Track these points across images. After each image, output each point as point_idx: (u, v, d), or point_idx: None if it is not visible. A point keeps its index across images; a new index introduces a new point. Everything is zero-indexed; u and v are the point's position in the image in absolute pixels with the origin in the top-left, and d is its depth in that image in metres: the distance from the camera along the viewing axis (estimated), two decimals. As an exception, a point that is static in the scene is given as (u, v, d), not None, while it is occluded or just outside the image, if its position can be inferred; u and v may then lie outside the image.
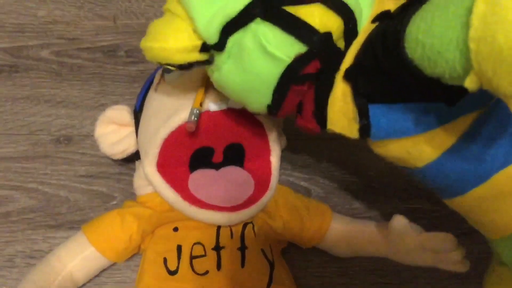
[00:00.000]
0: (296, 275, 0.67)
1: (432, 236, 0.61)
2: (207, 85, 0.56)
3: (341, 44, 0.47)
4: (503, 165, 0.45)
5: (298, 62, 0.46)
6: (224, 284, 0.58)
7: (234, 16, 0.45)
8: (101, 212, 0.70)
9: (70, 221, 0.70)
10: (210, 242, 0.59)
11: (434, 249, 0.60)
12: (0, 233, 0.68)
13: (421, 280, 0.69)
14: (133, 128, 0.64)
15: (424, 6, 0.38)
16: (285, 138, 0.69)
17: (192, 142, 0.57)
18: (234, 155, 0.59)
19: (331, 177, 0.77)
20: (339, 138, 0.76)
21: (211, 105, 0.55)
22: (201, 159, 0.58)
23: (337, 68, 0.47)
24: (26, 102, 0.75)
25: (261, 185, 0.60)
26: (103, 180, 0.72)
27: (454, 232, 0.74)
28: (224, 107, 0.56)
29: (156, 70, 0.65)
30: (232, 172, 0.59)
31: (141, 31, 0.80)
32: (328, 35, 0.45)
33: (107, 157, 0.69)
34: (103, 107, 0.75)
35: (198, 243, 0.59)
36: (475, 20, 0.31)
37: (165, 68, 0.60)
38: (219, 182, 0.58)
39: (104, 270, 0.64)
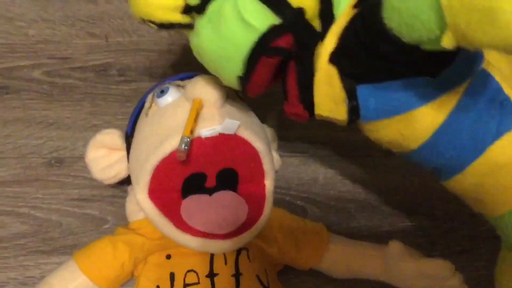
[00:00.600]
0: (294, 298, 0.67)
1: (429, 262, 0.60)
2: (198, 111, 0.55)
3: (316, 24, 0.48)
4: (496, 136, 0.46)
5: (270, 33, 0.47)
6: (219, 312, 0.57)
7: None
8: (94, 236, 0.69)
9: (62, 246, 0.69)
10: (203, 270, 0.58)
11: (431, 276, 0.59)
12: (-8, 260, 0.67)
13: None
14: (124, 152, 0.63)
15: None
16: (279, 158, 0.68)
17: (184, 169, 0.56)
18: (228, 180, 0.58)
19: (327, 195, 0.76)
20: (335, 155, 0.77)
21: (203, 131, 0.54)
22: (194, 184, 0.57)
23: (313, 49, 0.48)
24: (17, 125, 0.74)
25: (255, 210, 0.59)
26: (95, 203, 0.71)
27: (453, 249, 0.74)
28: (216, 133, 0.54)
29: (147, 93, 0.64)
30: (226, 197, 0.58)
31: (133, 49, 0.79)
32: (301, 10, 0.47)
33: (100, 180, 0.68)
34: (95, 127, 0.75)
35: (192, 270, 0.58)
36: None
37: (158, 91, 0.59)
38: (212, 208, 0.57)
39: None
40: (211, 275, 0.58)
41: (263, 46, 0.47)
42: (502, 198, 0.49)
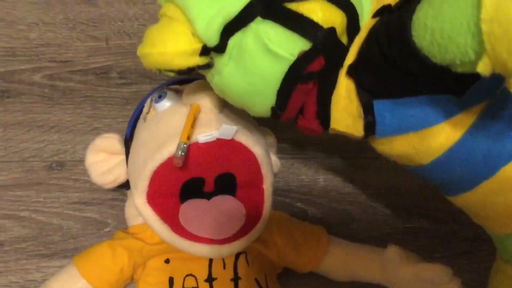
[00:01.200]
0: (293, 300, 0.67)
1: (428, 267, 0.60)
2: (195, 116, 0.55)
3: (344, 39, 0.46)
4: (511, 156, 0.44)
5: (302, 60, 0.45)
6: (218, 316, 0.57)
7: (234, 16, 0.44)
8: (94, 239, 0.70)
9: (63, 249, 0.69)
10: (202, 274, 0.59)
11: (429, 280, 0.59)
12: (-7, 263, 0.67)
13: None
14: (123, 157, 0.63)
15: None
16: (278, 162, 0.68)
17: (182, 174, 0.56)
18: (226, 185, 0.58)
19: (328, 197, 0.76)
20: (336, 157, 0.77)
21: (200, 137, 0.54)
22: (192, 189, 0.57)
23: (340, 65, 0.46)
24: (18, 128, 0.74)
25: (254, 214, 0.59)
26: (96, 206, 0.72)
27: (455, 251, 0.74)
28: (213, 138, 0.55)
29: (145, 98, 0.64)
30: (224, 201, 0.58)
31: (134, 52, 0.78)
32: (332, 30, 0.44)
33: (100, 183, 0.68)
34: (96, 131, 0.75)
35: (190, 275, 0.58)
36: (487, 1, 0.30)
37: (156, 96, 0.59)
38: (211, 213, 0.57)
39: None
40: (210, 279, 0.58)
41: (297, 74, 0.45)
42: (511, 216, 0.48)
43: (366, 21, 0.46)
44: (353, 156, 0.77)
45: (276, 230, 0.64)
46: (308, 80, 0.46)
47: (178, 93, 0.60)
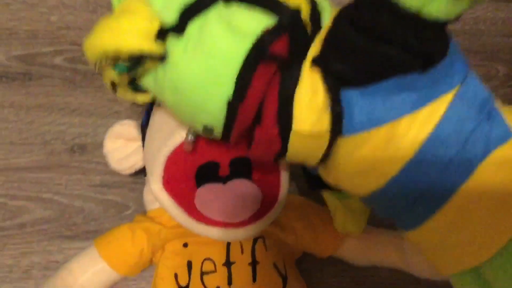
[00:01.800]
0: (312, 285, 0.67)
1: None
2: None
3: (306, 25, 0.44)
4: (486, 152, 0.42)
5: (266, 35, 0.41)
6: (236, 300, 0.58)
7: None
8: (115, 222, 0.70)
9: (85, 231, 0.70)
10: (220, 258, 0.59)
11: None
12: (16, 245, 0.68)
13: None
14: (140, 143, 0.63)
15: None
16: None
17: (196, 158, 0.56)
18: (241, 168, 0.58)
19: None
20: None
21: None
22: (207, 173, 0.57)
23: (303, 57, 0.43)
24: (40, 111, 0.74)
25: (270, 198, 0.59)
26: (117, 189, 0.72)
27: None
28: None
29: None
30: (240, 184, 0.57)
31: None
32: (298, 11, 0.42)
33: (121, 166, 0.68)
34: (117, 114, 0.75)
35: (208, 259, 0.58)
36: None
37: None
38: (226, 196, 0.57)
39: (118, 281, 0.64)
40: (228, 263, 0.58)
41: (260, 50, 0.41)
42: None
43: (326, 24, 0.44)
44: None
45: (294, 214, 0.64)
46: (271, 60, 0.42)
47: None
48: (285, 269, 0.60)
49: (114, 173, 0.70)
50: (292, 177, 0.62)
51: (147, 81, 0.46)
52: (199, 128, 0.47)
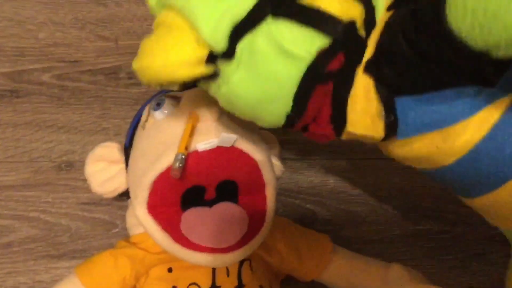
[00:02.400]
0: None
1: None
2: (194, 125, 0.54)
3: (362, 34, 0.43)
4: None
5: (322, 58, 0.41)
6: (223, 325, 0.57)
7: (243, 17, 0.40)
8: (103, 240, 0.70)
9: (72, 250, 0.70)
10: (206, 282, 0.58)
11: None
12: (2, 264, 0.68)
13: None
14: (123, 165, 0.62)
15: None
16: (281, 165, 0.67)
17: (182, 182, 0.55)
18: (227, 192, 0.57)
19: (337, 199, 0.76)
20: (346, 159, 0.77)
21: (199, 146, 0.53)
22: (193, 198, 0.56)
23: (359, 62, 0.43)
24: (27, 128, 0.74)
25: (256, 221, 0.59)
26: (104, 207, 0.72)
27: (466, 253, 0.74)
28: (213, 146, 0.54)
29: (144, 105, 0.63)
30: (226, 208, 0.57)
31: (143, 52, 0.79)
32: (352, 23, 0.41)
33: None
34: (105, 131, 0.75)
35: (194, 283, 0.58)
36: None
37: (154, 104, 0.58)
38: (213, 221, 0.56)
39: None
40: (214, 287, 0.58)
41: (316, 74, 0.41)
42: None
43: (381, 15, 0.43)
44: (363, 157, 0.77)
45: (280, 236, 0.63)
46: (328, 79, 0.42)
47: (177, 100, 0.59)
48: (271, 291, 0.60)
49: (101, 191, 0.70)
50: (278, 199, 0.63)
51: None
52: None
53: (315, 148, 0.77)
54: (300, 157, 0.77)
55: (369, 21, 0.43)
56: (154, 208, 0.56)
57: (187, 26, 0.41)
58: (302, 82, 0.42)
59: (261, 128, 0.63)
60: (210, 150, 0.54)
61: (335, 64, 0.42)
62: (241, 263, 0.60)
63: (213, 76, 0.43)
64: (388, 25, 0.42)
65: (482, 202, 0.46)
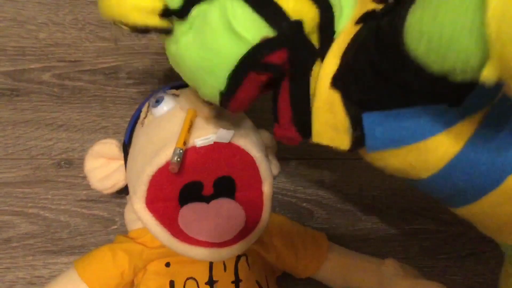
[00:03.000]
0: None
1: (424, 284, 0.60)
2: (192, 121, 0.55)
3: (314, 39, 0.43)
4: None
5: (262, 46, 0.41)
6: (219, 319, 0.58)
7: None
8: (101, 237, 0.71)
9: (71, 246, 0.70)
10: (203, 277, 0.59)
11: None
12: (1, 259, 0.69)
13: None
14: (122, 162, 0.63)
15: None
16: (277, 163, 0.68)
17: (180, 178, 0.56)
18: (225, 188, 0.58)
19: (334, 198, 0.76)
20: (342, 158, 0.77)
21: (197, 141, 0.54)
22: (191, 193, 0.57)
23: (310, 67, 0.43)
24: (27, 126, 0.75)
25: (253, 217, 0.59)
26: (103, 204, 0.73)
27: (460, 253, 0.74)
28: (210, 142, 0.55)
29: (143, 103, 0.64)
30: (223, 204, 0.58)
31: (143, 52, 0.80)
32: (299, 23, 0.42)
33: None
34: (104, 130, 0.76)
35: (191, 278, 0.58)
36: (492, 0, 0.27)
37: (153, 101, 0.59)
38: (210, 216, 0.57)
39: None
40: (211, 282, 0.58)
41: (253, 60, 0.42)
42: None
43: (346, 26, 0.43)
44: (359, 157, 0.77)
45: (276, 233, 0.64)
46: (264, 70, 0.42)
47: (175, 97, 0.60)
48: (267, 286, 0.61)
49: (100, 188, 0.71)
50: (275, 198, 0.63)
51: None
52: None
53: (312, 148, 0.77)
54: (297, 156, 0.77)
55: (326, 27, 0.43)
56: (152, 203, 0.57)
57: None
58: (239, 64, 0.42)
59: (259, 127, 0.64)
60: (207, 146, 0.55)
61: (276, 58, 0.42)
62: (238, 258, 0.60)
63: (167, 31, 0.45)
64: (353, 41, 0.42)
65: (464, 213, 0.47)
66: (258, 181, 0.59)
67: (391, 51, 0.36)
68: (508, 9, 0.26)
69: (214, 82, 0.45)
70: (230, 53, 0.42)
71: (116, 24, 0.45)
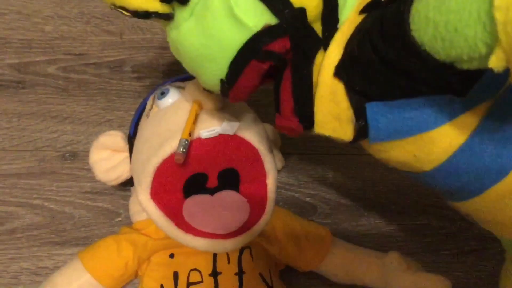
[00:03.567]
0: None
1: (427, 277, 0.60)
2: (197, 113, 0.56)
3: (317, 27, 0.43)
4: None
5: (264, 34, 0.41)
6: (222, 310, 0.58)
7: None
8: (106, 228, 0.71)
9: (75, 237, 0.71)
10: (206, 268, 0.59)
11: None
12: (5, 250, 0.69)
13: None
14: (127, 154, 0.63)
15: None
16: (282, 157, 0.68)
17: (185, 169, 0.56)
18: (229, 180, 0.58)
19: (337, 193, 0.77)
20: (345, 154, 0.78)
21: (202, 133, 0.54)
22: (195, 185, 0.57)
23: (313, 56, 0.43)
24: (32, 118, 0.75)
25: (257, 210, 0.60)
26: (107, 196, 0.73)
27: (463, 248, 0.74)
28: (215, 134, 0.55)
29: (149, 95, 0.64)
30: (227, 196, 0.58)
31: (147, 46, 0.80)
32: (302, 10, 0.41)
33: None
34: (108, 122, 0.76)
35: (195, 269, 0.59)
36: None
37: (158, 93, 0.60)
38: (214, 208, 0.58)
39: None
40: (214, 273, 0.59)
41: (254, 48, 0.41)
42: None
43: (350, 15, 0.43)
44: (362, 152, 0.77)
45: (279, 226, 0.64)
46: (265, 58, 0.42)
47: (181, 89, 0.60)
48: (271, 279, 0.61)
49: (104, 180, 0.71)
50: (279, 192, 0.64)
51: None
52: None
53: (316, 143, 0.78)
54: (300, 151, 0.77)
55: (329, 16, 0.43)
56: (157, 194, 0.57)
57: None
58: (240, 51, 0.42)
59: (263, 121, 0.64)
60: (212, 138, 0.55)
61: (278, 46, 0.41)
62: (242, 250, 0.61)
63: (168, 17, 0.44)
64: (357, 30, 0.41)
65: (467, 207, 0.47)
66: (262, 174, 0.59)
67: (396, 39, 0.35)
68: None
69: (215, 69, 0.44)
70: (231, 40, 0.42)
71: (117, 9, 0.44)
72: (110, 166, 0.64)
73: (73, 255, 0.63)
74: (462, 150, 0.40)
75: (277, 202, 0.62)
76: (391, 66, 0.37)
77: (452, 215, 0.75)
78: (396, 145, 0.42)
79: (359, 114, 0.41)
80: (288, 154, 0.74)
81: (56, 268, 0.64)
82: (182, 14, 0.43)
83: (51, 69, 0.77)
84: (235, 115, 0.58)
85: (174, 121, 0.56)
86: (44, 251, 0.69)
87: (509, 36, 0.27)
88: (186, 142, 0.53)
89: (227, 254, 0.60)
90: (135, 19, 0.79)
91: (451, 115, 0.39)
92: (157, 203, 0.57)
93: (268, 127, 0.67)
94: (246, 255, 0.61)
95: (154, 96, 0.61)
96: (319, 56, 0.43)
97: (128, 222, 0.68)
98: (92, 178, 0.73)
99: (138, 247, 0.61)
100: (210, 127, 0.55)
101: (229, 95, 0.46)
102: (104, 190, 0.73)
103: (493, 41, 0.28)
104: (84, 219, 0.71)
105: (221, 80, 0.45)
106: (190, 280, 0.58)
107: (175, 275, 0.59)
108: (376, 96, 0.40)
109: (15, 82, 0.76)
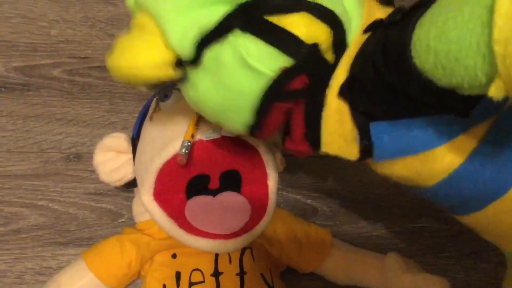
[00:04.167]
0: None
1: (427, 278, 0.61)
2: (199, 115, 0.56)
3: (329, 56, 0.43)
4: None
5: (283, 77, 0.41)
6: (224, 310, 0.58)
7: (210, 28, 0.40)
8: (109, 229, 0.72)
9: (79, 238, 0.71)
10: (208, 268, 0.60)
11: None
12: (10, 250, 0.69)
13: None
14: (131, 155, 0.64)
15: (430, 10, 0.34)
16: (283, 159, 0.69)
17: (188, 171, 0.57)
18: (231, 181, 0.59)
19: (337, 195, 0.77)
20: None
21: (204, 134, 0.56)
22: (198, 186, 0.58)
23: (326, 84, 0.43)
24: (37, 120, 0.76)
25: (258, 211, 0.61)
26: (111, 197, 0.74)
27: (462, 251, 0.75)
28: (217, 135, 0.56)
29: (152, 97, 0.65)
30: (229, 197, 0.59)
31: (151, 50, 0.81)
32: (316, 46, 0.41)
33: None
34: (112, 125, 0.77)
35: (197, 269, 0.60)
36: (499, 19, 0.27)
37: (162, 95, 0.60)
38: (216, 209, 0.59)
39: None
40: (216, 273, 0.60)
41: (276, 92, 0.42)
42: None
43: (355, 37, 0.43)
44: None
45: (280, 227, 0.65)
46: (288, 99, 0.43)
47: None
48: (271, 280, 0.62)
49: (108, 182, 0.72)
50: (280, 194, 0.64)
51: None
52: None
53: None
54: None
55: (339, 43, 0.43)
56: (160, 195, 0.58)
57: (158, 30, 0.42)
58: (263, 98, 0.42)
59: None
60: (214, 139, 0.56)
61: (297, 84, 0.42)
62: (243, 251, 0.61)
63: (183, 79, 0.44)
64: (361, 52, 0.42)
65: (469, 221, 0.47)
66: (264, 176, 0.60)
67: (398, 64, 0.36)
68: None
69: (240, 118, 0.45)
70: (251, 89, 0.42)
71: (133, 86, 0.44)
72: (113, 167, 0.65)
73: (77, 255, 0.64)
74: (463, 168, 0.41)
75: (278, 204, 0.63)
76: (393, 89, 0.38)
77: (452, 218, 0.74)
78: (399, 162, 0.43)
79: (364, 133, 0.42)
80: (289, 156, 0.75)
81: (60, 268, 0.64)
82: (196, 75, 0.43)
83: (56, 72, 0.78)
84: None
85: (177, 123, 0.57)
86: (48, 251, 0.70)
87: (507, 69, 0.27)
88: (189, 143, 0.54)
89: (229, 255, 0.61)
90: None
91: (452, 134, 0.40)
92: (160, 203, 0.58)
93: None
94: (247, 256, 0.61)
95: (157, 99, 0.61)
96: (330, 81, 0.44)
97: (131, 223, 0.69)
98: (96, 180, 0.73)
99: (141, 247, 0.61)
100: (212, 129, 0.56)
101: (257, 136, 0.47)
102: (107, 192, 0.74)
103: (492, 72, 0.29)
104: (88, 220, 0.72)
105: (249, 126, 0.45)
106: (192, 280, 0.59)
107: (177, 275, 0.59)
108: (380, 116, 0.41)
109: (20, 85, 0.77)
